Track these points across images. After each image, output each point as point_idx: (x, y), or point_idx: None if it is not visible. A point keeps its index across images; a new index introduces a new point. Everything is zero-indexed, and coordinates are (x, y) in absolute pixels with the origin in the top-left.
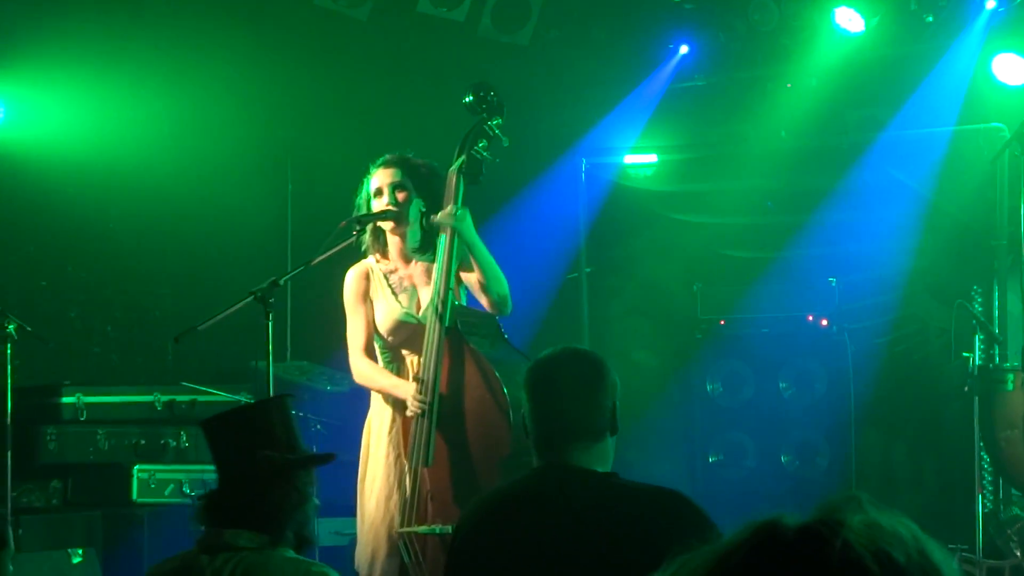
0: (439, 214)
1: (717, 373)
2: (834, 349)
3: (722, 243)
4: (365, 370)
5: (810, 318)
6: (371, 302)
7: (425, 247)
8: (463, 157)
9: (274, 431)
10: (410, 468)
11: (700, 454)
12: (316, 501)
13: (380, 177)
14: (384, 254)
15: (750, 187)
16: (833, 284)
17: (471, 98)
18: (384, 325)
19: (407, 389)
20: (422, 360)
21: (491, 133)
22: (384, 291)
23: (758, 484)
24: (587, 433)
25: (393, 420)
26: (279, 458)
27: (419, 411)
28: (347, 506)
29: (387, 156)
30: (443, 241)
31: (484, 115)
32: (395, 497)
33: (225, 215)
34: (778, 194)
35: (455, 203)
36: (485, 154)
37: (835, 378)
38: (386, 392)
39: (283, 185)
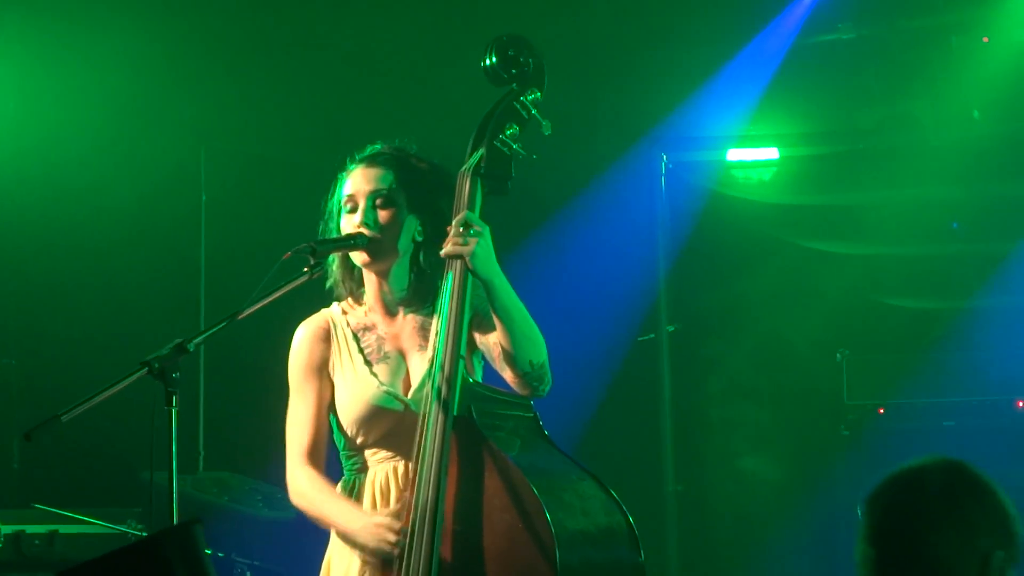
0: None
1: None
2: None
3: (880, 287)
4: (305, 487)
5: (1021, 404)
6: (329, 377)
7: (421, 294)
8: (481, 151)
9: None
10: None
11: None
12: None
13: (357, 180)
14: (358, 300)
15: (924, 199)
16: None
17: (495, 60)
18: (351, 412)
19: (360, 521)
20: (414, 469)
21: (525, 115)
22: (352, 359)
23: None
24: None
25: (364, 565)
26: None
27: (386, 550)
28: None
29: (376, 147)
30: (451, 280)
31: (514, 87)
32: None
33: (105, 242)
34: (968, 210)
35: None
36: (515, 146)
37: None
38: (332, 525)
39: (194, 193)
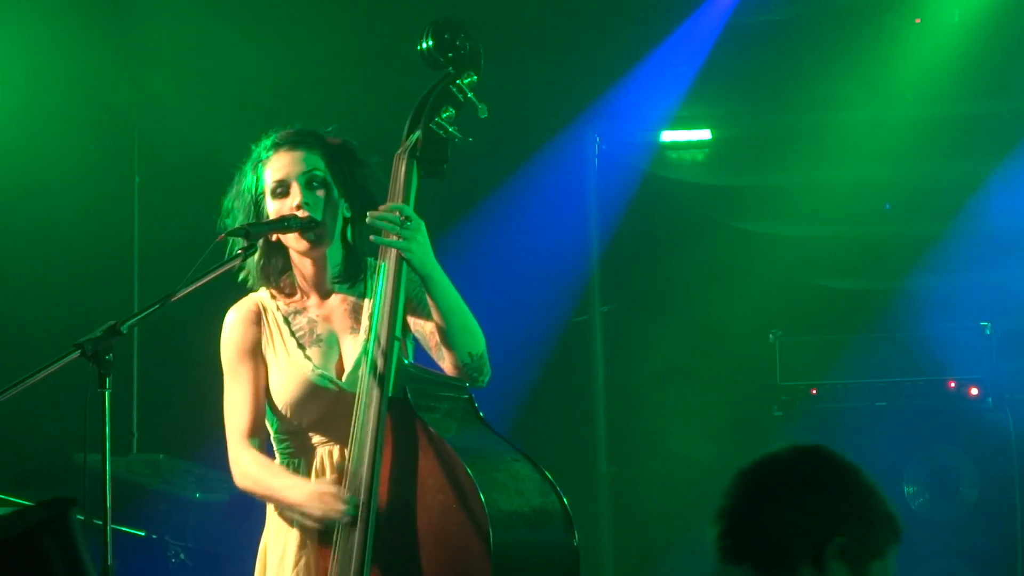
0: (372, 213)
1: None
2: (991, 433)
3: (813, 268)
4: (249, 467)
5: (952, 385)
6: (263, 359)
7: (351, 272)
8: (417, 134)
9: (51, 570)
10: None
11: None
12: None
13: (283, 164)
14: (282, 288)
15: (857, 180)
16: (988, 332)
17: (431, 43)
18: (284, 395)
19: (307, 490)
20: (349, 451)
21: (461, 98)
22: (284, 341)
23: None
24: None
25: (301, 546)
26: None
27: (334, 517)
28: None
29: (288, 132)
30: (384, 268)
31: (450, 70)
32: None
33: (38, 224)
34: (901, 191)
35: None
36: (451, 129)
37: (993, 477)
38: (279, 500)
39: (127, 175)
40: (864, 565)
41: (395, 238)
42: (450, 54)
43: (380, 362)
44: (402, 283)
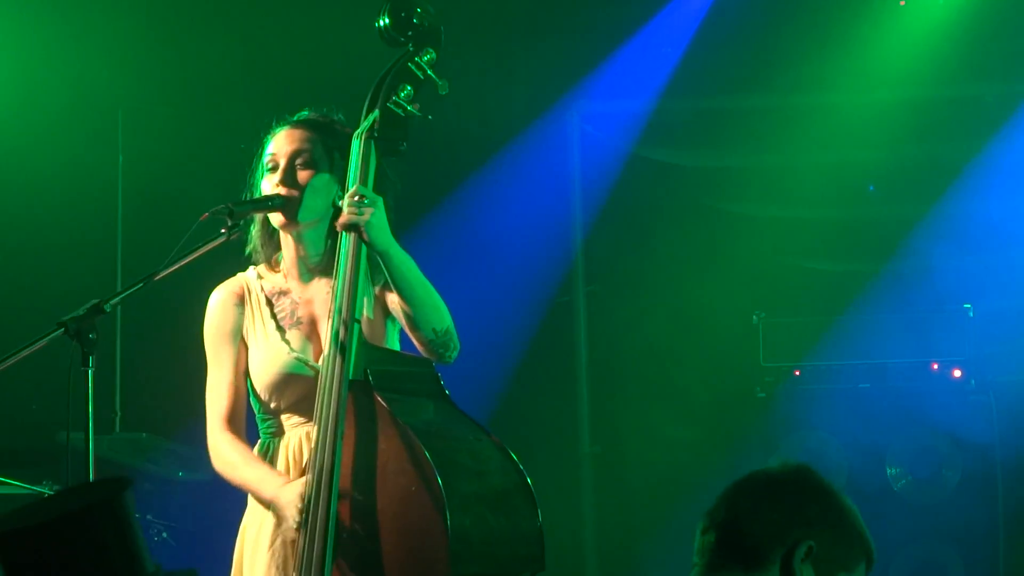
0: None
1: (789, 452)
2: (973, 415)
3: (797, 249)
4: (224, 451)
5: (935, 367)
6: (244, 342)
7: (334, 260)
8: (375, 113)
9: (107, 550)
10: None
11: None
12: None
13: (280, 140)
14: (275, 266)
15: (841, 162)
16: (971, 314)
17: (388, 21)
18: (263, 378)
19: (275, 486)
20: (316, 433)
21: (420, 75)
22: (264, 324)
23: None
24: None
25: (277, 525)
26: None
27: (300, 521)
28: None
29: (304, 113)
30: (345, 244)
31: (409, 47)
32: None
33: (22, 203)
34: (885, 173)
35: (362, 184)
36: (410, 107)
37: (975, 460)
38: (248, 490)
39: (111, 154)
40: (831, 574)
41: (354, 215)
42: (408, 31)
43: (341, 344)
44: (361, 264)
